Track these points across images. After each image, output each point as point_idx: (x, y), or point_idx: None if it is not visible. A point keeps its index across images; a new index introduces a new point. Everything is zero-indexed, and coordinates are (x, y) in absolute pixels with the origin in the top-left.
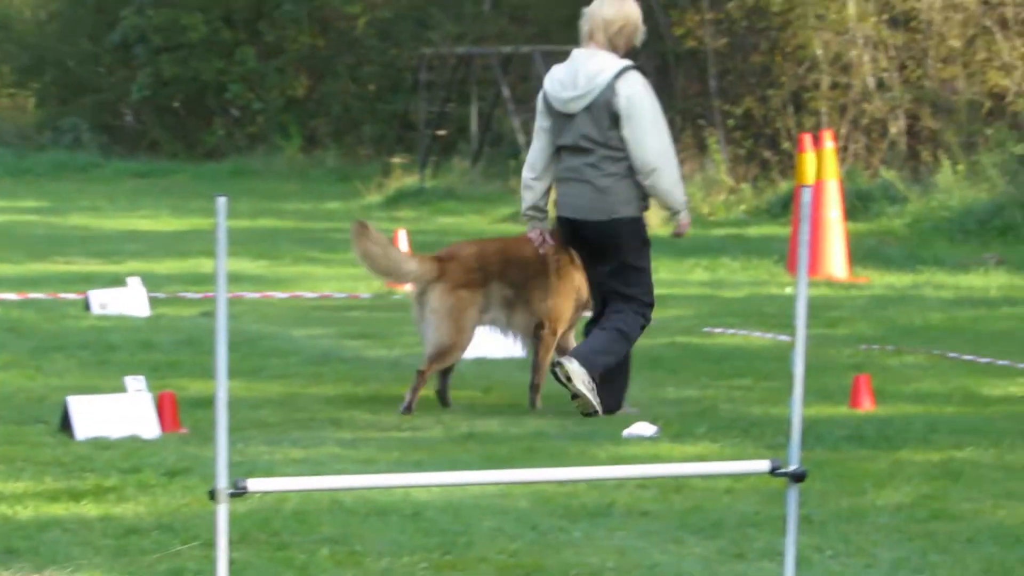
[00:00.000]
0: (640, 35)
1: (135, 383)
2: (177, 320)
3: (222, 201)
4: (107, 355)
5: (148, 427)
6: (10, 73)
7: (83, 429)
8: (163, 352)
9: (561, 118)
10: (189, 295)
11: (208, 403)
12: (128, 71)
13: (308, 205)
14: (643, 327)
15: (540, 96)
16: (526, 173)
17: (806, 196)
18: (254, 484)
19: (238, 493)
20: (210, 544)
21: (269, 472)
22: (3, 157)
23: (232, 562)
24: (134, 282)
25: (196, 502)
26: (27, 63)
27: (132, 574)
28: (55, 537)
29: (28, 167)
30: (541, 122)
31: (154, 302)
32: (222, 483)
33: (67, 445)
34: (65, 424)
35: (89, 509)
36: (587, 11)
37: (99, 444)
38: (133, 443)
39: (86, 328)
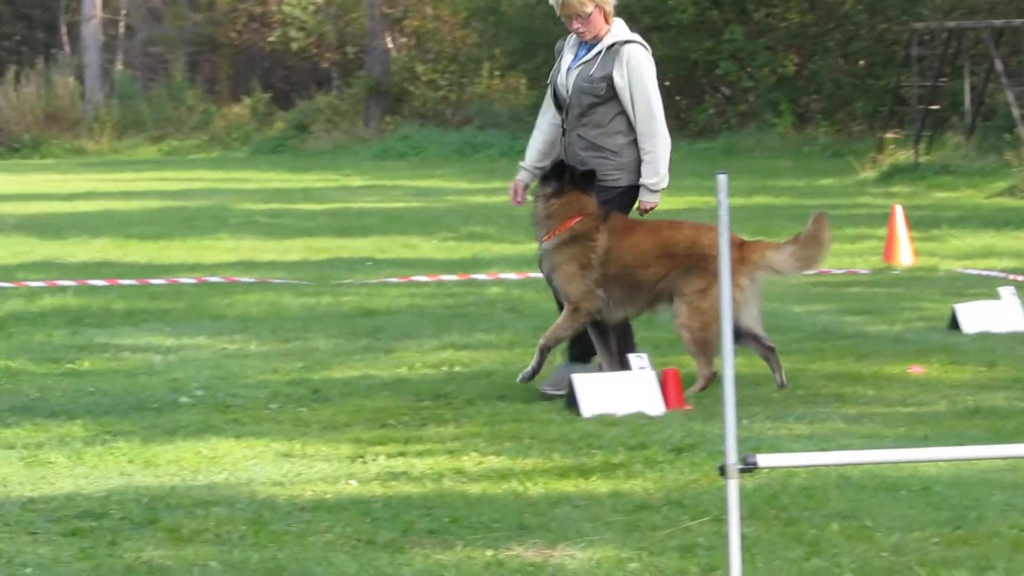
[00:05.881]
0: None
1: (639, 360)
2: None
3: (723, 179)
4: None
5: (653, 404)
6: (502, 56)
7: (589, 407)
8: (663, 329)
9: None
10: None
11: None
12: None
13: (802, 182)
14: None
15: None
16: None
17: None
18: (763, 460)
19: (748, 469)
20: (720, 519)
21: (775, 448)
22: (499, 139)
23: (743, 537)
24: None
25: (704, 478)
26: (518, 46)
27: (643, 549)
28: (565, 513)
29: (522, 148)
30: None
31: None
32: (732, 459)
33: (574, 423)
34: (571, 402)
35: (598, 485)
36: None
37: (605, 421)
38: (639, 420)
39: None
